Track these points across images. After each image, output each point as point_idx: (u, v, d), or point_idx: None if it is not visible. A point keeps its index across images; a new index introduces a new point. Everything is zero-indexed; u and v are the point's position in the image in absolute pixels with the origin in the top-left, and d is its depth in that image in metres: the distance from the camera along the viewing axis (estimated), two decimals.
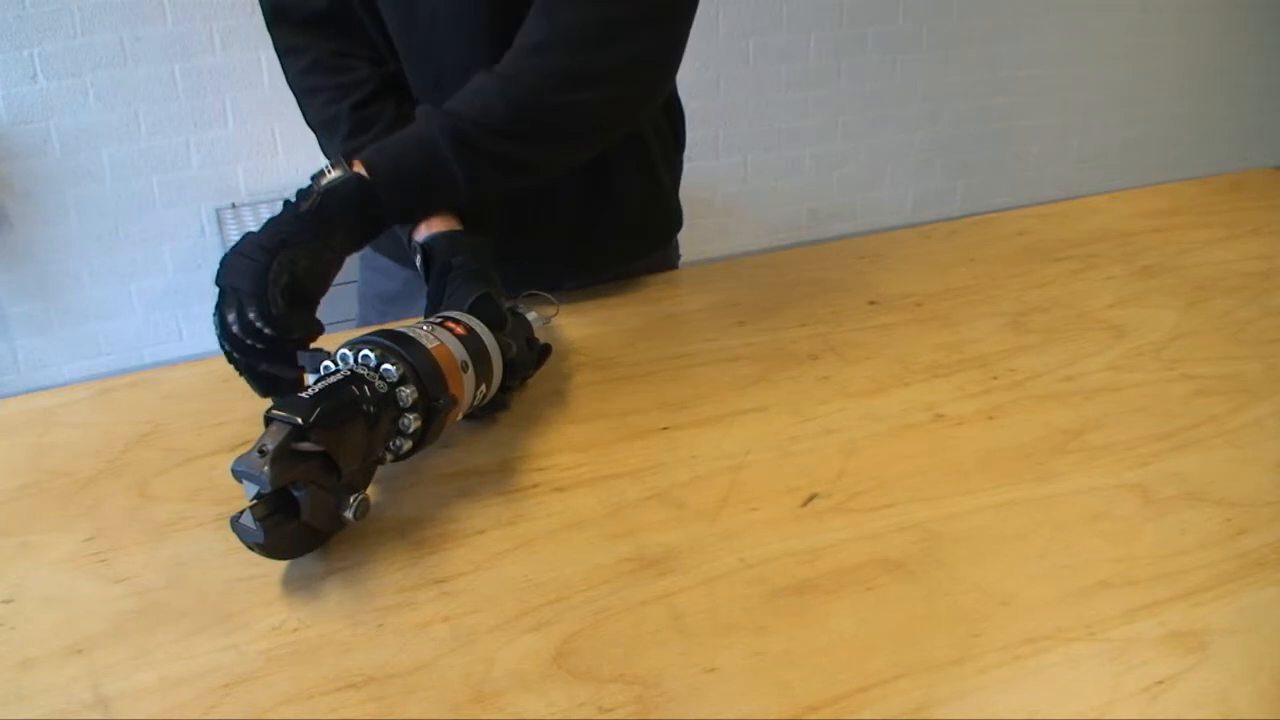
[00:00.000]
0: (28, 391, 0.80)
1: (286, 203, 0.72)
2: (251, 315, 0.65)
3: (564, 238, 0.97)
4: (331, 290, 0.70)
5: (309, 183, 0.73)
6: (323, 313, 0.69)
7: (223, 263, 0.68)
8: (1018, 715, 0.48)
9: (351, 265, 1.05)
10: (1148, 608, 0.54)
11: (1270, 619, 0.54)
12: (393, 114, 0.88)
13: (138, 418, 0.76)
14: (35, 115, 2.37)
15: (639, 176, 0.99)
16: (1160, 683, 0.49)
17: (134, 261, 2.58)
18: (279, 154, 2.61)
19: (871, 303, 0.92)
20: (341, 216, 0.71)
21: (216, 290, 0.67)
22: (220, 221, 2.51)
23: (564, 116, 0.77)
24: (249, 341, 0.66)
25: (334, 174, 0.72)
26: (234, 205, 2.59)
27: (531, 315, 0.79)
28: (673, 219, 1.08)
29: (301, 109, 0.90)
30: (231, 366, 0.68)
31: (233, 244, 0.69)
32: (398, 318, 0.99)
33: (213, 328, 0.68)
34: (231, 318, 0.66)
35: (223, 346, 0.67)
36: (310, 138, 0.90)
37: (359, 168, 0.73)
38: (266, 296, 0.65)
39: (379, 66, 0.89)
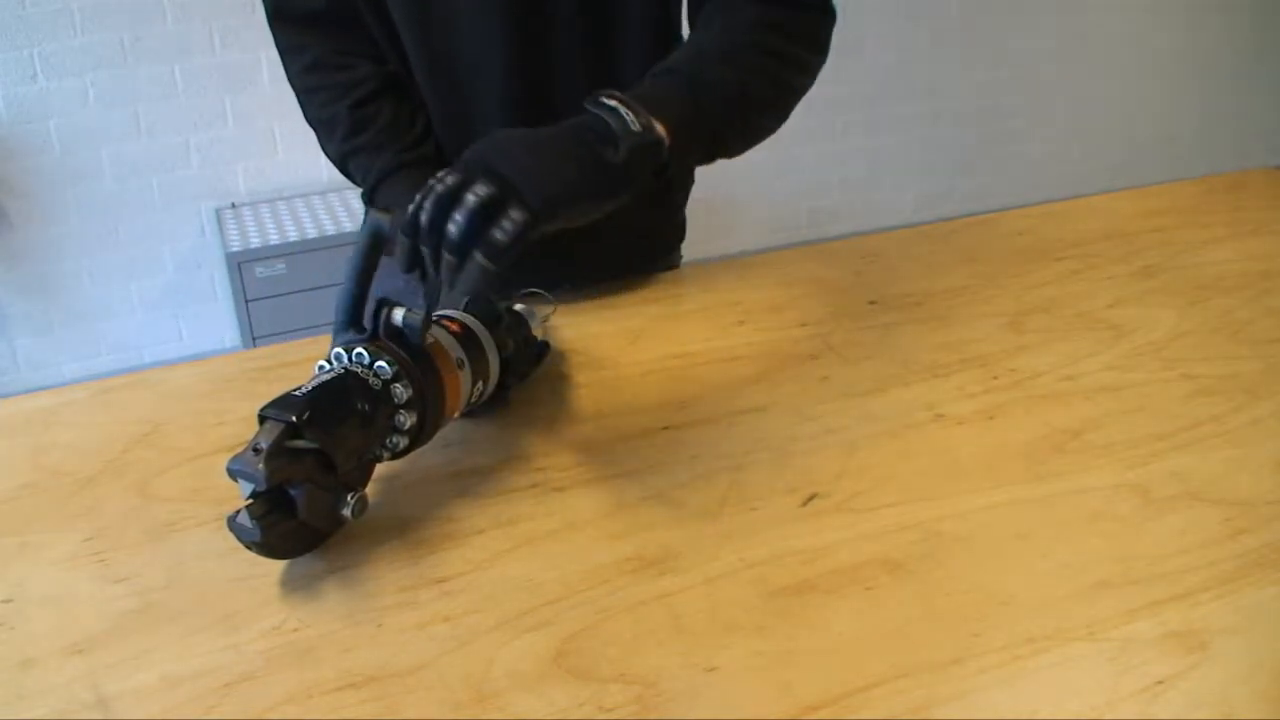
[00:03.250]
0: (28, 391, 0.80)
1: (583, 136, 0.64)
2: (513, 221, 0.57)
3: (566, 243, 0.96)
4: (333, 290, 0.70)
5: (601, 118, 0.65)
6: (326, 312, 0.68)
7: (511, 139, 0.60)
8: (1018, 715, 0.48)
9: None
10: (1148, 608, 0.54)
11: (1270, 619, 0.54)
12: (391, 113, 0.88)
13: (138, 418, 0.76)
14: (35, 115, 2.36)
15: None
16: (1160, 683, 0.49)
17: (134, 261, 2.58)
18: (279, 154, 2.60)
19: (871, 303, 0.92)
20: (641, 173, 0.66)
21: (491, 164, 0.59)
22: (220, 221, 2.50)
23: (789, 102, 0.83)
24: (464, 234, 0.57)
25: (637, 127, 0.65)
26: (234, 205, 2.59)
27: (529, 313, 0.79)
28: (677, 231, 1.08)
29: (301, 106, 0.90)
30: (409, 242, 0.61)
31: (491, 137, 0.61)
32: None
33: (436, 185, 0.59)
34: (485, 193, 0.57)
35: (435, 209, 0.58)
36: (310, 137, 0.90)
37: (660, 126, 0.67)
38: (541, 211, 0.59)
39: (379, 65, 0.89)
